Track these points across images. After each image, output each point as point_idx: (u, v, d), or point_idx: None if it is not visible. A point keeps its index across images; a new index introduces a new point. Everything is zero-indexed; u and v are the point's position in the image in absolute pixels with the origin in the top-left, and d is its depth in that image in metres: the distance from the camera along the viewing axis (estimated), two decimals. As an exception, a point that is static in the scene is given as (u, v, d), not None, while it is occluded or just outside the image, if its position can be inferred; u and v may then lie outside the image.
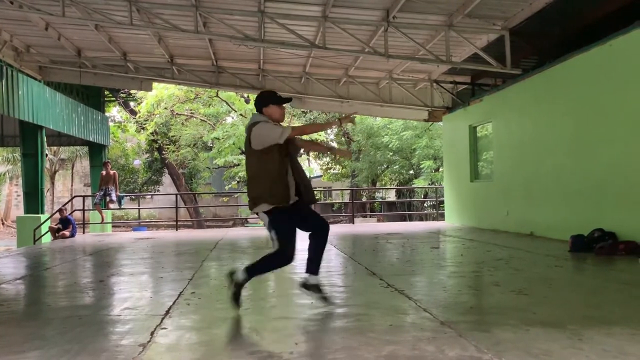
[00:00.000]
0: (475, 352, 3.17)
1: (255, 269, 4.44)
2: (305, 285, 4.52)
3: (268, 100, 4.40)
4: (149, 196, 33.01)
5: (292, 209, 4.30)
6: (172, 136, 26.69)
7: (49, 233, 14.70)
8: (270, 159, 4.24)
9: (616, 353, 3.10)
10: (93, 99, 20.02)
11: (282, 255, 4.31)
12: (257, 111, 4.46)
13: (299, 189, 4.36)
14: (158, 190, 32.30)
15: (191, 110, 26.02)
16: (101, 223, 16.63)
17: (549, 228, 9.93)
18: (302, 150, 4.95)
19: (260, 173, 4.32)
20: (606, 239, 7.80)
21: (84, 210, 16.62)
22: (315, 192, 4.65)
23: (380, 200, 29.21)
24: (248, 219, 26.00)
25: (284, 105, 4.46)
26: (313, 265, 4.49)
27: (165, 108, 24.93)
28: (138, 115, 26.24)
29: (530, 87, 10.66)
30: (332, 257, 7.97)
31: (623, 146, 8.02)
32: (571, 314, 4.09)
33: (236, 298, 4.32)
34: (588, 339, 3.37)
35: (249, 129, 4.34)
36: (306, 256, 4.51)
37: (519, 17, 9.74)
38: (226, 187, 28.01)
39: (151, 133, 26.30)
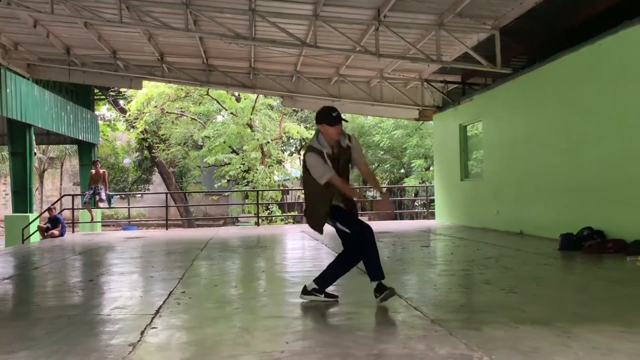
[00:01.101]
0: (465, 350, 3.18)
1: (375, 266, 4.51)
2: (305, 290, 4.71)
3: (323, 118, 4.49)
4: (139, 195, 32.84)
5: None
6: (162, 135, 26.53)
7: (38, 232, 14.58)
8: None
9: (605, 350, 3.13)
10: (82, 97, 19.89)
11: (362, 236, 4.48)
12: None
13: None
14: (148, 189, 32.14)
15: (181, 108, 25.90)
16: (91, 222, 16.52)
17: (538, 226, 10.00)
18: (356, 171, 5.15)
19: (314, 193, 4.57)
20: (595, 237, 7.86)
21: (73, 209, 16.51)
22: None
23: (371, 199, 29.24)
24: (239, 218, 25.96)
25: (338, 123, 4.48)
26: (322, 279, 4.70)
27: (155, 106, 24.78)
28: (128, 113, 26.08)
29: (520, 87, 10.72)
30: (323, 255, 7.99)
31: (612, 145, 8.09)
32: (560, 312, 4.12)
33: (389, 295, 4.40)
34: (577, 336, 3.40)
35: (304, 154, 4.58)
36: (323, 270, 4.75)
37: (509, 17, 9.79)
38: (216, 186, 27.90)
39: (141, 131, 26.15)
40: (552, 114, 9.65)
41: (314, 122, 4.68)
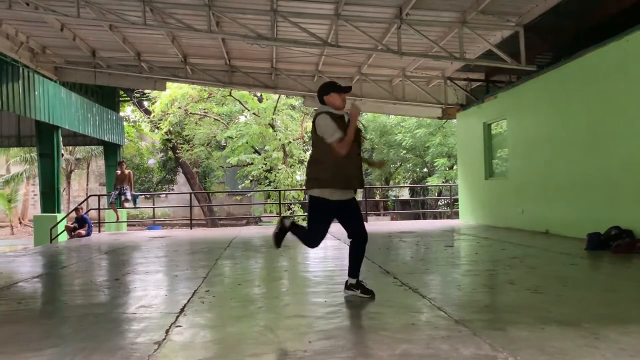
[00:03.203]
0: (490, 350, 3.15)
1: (296, 231, 4.82)
2: (346, 285, 4.85)
3: (328, 88, 4.65)
4: (164, 195, 33.23)
5: (335, 205, 4.58)
6: (185, 135, 26.83)
7: (65, 232, 14.86)
8: (329, 147, 4.53)
9: (633, 352, 3.06)
10: (108, 99, 20.19)
11: (308, 237, 4.76)
12: (319, 102, 4.70)
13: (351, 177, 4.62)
14: (172, 189, 32.48)
15: (205, 109, 26.14)
16: (116, 222, 16.78)
17: (564, 226, 9.84)
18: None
19: (319, 158, 4.62)
20: (623, 236, 7.71)
21: (99, 209, 16.77)
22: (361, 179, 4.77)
23: (394, 198, 29.12)
24: (261, 218, 26.07)
25: (344, 94, 4.65)
26: (351, 269, 4.82)
27: (179, 107, 25.07)
28: (152, 114, 26.42)
29: (545, 84, 10.57)
30: (345, 255, 7.94)
31: (639, 142, 7.92)
32: (587, 313, 4.05)
33: (278, 240, 4.86)
34: (604, 337, 3.34)
35: (314, 118, 4.66)
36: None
37: (533, 13, 9.66)
38: (239, 186, 28.07)
39: (165, 132, 26.46)
40: (578, 111, 9.49)
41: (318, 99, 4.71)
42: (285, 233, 4.84)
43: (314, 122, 4.64)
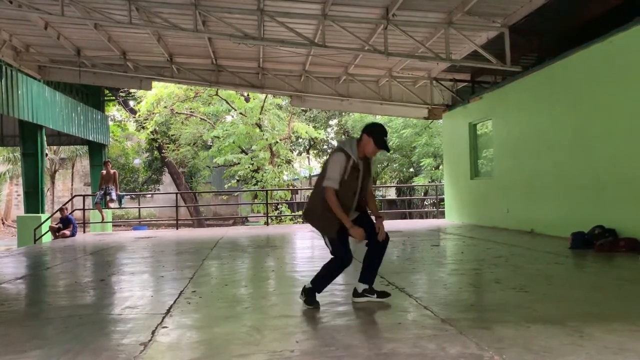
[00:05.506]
0: (476, 349, 3.17)
1: (321, 282, 4.52)
2: (355, 293, 4.58)
3: (374, 133, 4.37)
4: (149, 195, 33.01)
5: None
6: (172, 135, 26.66)
7: (50, 232, 14.70)
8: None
9: (616, 349, 3.11)
10: (93, 98, 20.02)
11: (333, 267, 4.48)
12: (361, 132, 4.45)
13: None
14: (158, 189, 32.27)
15: (191, 109, 25.99)
16: (101, 222, 16.63)
17: (549, 225, 9.94)
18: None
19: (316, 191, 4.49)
20: (606, 235, 7.80)
21: (84, 209, 16.61)
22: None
23: (380, 198, 29.18)
24: (248, 218, 25.99)
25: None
26: (365, 275, 4.61)
27: (165, 107, 24.90)
28: (138, 114, 26.22)
29: (530, 85, 10.66)
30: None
31: (623, 143, 8.02)
32: (572, 311, 4.09)
33: (311, 302, 4.43)
34: (588, 335, 3.38)
35: (332, 151, 4.52)
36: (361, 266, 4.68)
37: (518, 14, 9.74)
38: (226, 186, 27.96)
39: (151, 132, 26.28)
40: (562, 112, 9.59)
41: (362, 130, 4.44)
42: (311, 296, 4.45)
43: (330, 154, 4.48)
